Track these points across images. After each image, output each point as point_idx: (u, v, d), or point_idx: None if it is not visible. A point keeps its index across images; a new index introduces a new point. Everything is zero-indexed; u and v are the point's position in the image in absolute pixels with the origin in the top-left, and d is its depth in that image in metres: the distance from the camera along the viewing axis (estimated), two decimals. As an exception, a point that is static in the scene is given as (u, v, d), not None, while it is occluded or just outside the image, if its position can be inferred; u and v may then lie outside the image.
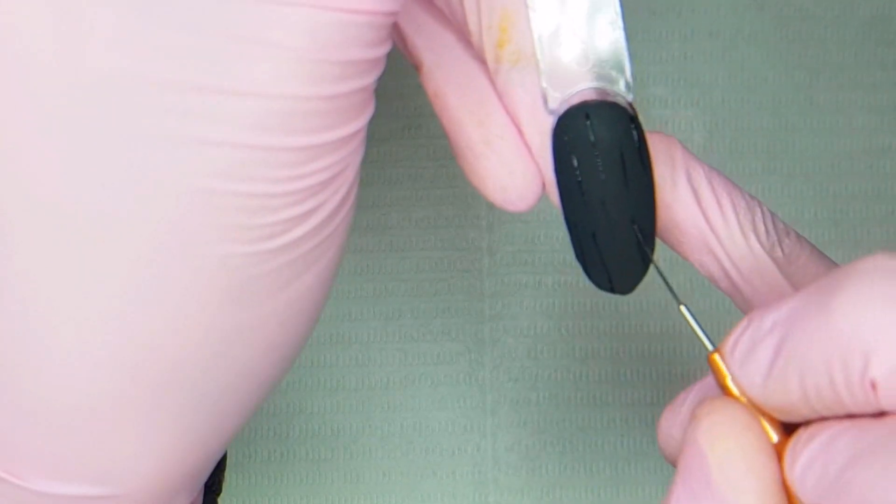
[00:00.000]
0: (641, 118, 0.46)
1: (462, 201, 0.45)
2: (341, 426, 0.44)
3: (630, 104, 0.27)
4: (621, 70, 0.27)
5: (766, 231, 0.29)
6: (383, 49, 0.25)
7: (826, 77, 0.46)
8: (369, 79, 0.25)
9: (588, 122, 0.26)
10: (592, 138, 0.26)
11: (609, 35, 0.27)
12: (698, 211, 0.29)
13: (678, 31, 0.46)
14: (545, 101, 0.27)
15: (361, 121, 0.26)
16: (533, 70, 0.27)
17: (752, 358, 0.25)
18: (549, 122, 0.27)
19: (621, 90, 0.27)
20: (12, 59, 0.24)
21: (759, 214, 0.29)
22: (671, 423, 0.28)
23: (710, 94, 0.46)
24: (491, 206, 0.46)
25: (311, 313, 0.27)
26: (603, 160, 0.27)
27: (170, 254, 0.24)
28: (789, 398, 0.24)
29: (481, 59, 0.28)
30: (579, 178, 0.27)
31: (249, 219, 0.25)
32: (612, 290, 0.28)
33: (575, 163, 0.27)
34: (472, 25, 0.28)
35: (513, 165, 0.28)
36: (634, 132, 0.27)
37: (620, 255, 0.27)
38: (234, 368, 0.27)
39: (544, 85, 0.27)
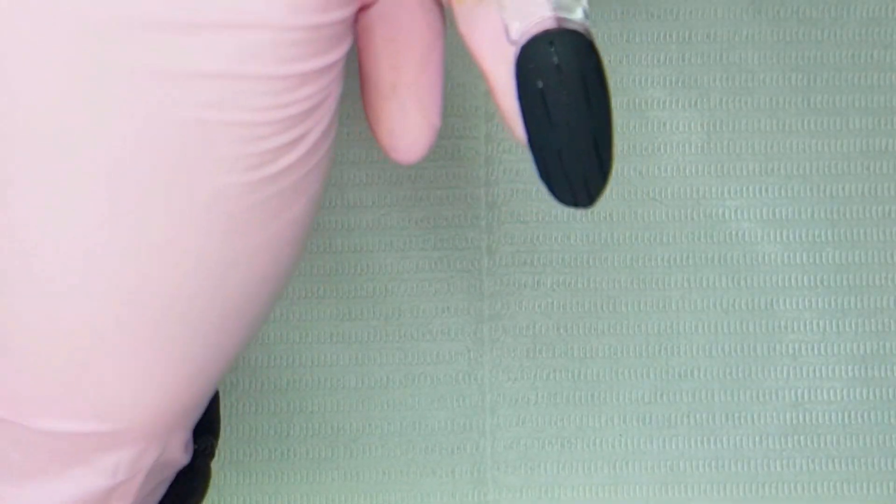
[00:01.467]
0: (639, 120, 0.46)
1: (462, 202, 0.45)
2: (341, 425, 0.44)
3: (587, 30, 0.28)
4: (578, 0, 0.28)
5: None
6: None
7: (823, 79, 0.46)
8: (349, 10, 0.27)
9: (552, 49, 0.28)
10: (557, 63, 0.28)
11: None
12: None
13: (676, 34, 0.46)
14: (507, 33, 0.28)
15: (342, 50, 0.27)
16: (496, 6, 0.28)
17: None
18: (512, 53, 0.28)
19: (579, 17, 0.28)
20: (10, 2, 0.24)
21: None
22: None
23: (708, 96, 0.46)
24: (491, 207, 0.46)
25: (297, 246, 0.28)
26: (567, 83, 0.28)
27: (165, 184, 0.25)
28: None
29: (425, 11, 0.30)
30: (545, 102, 0.28)
31: (241, 148, 0.26)
32: (575, 204, 0.30)
33: (540, 86, 0.28)
34: None
35: (410, 115, 0.30)
36: (594, 56, 0.28)
37: (583, 171, 0.29)
38: (228, 300, 0.27)
39: (505, 17, 0.28)
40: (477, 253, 0.45)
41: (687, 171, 0.46)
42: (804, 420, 0.45)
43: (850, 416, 0.45)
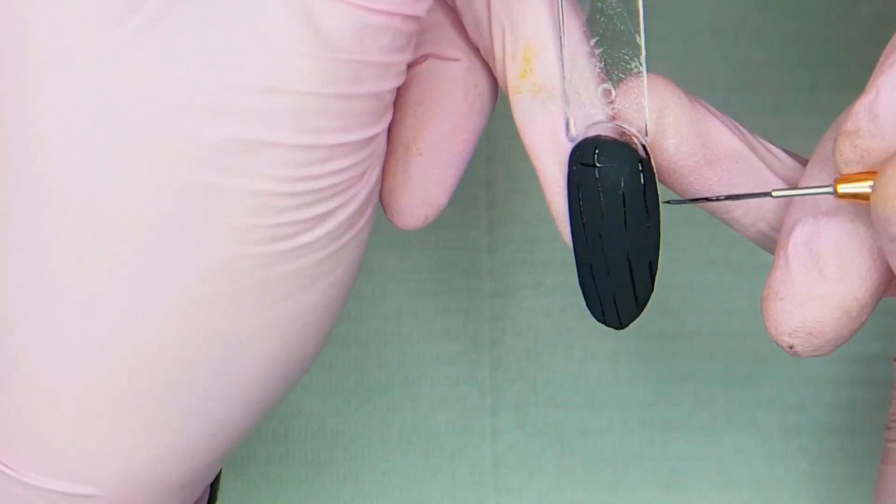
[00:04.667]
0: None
1: (462, 201, 0.45)
2: (340, 427, 0.44)
3: (644, 146, 0.27)
4: (639, 110, 0.27)
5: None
6: (402, 56, 0.26)
7: (829, 77, 0.46)
8: (385, 85, 0.26)
9: (595, 157, 0.27)
10: (597, 174, 0.27)
11: (633, 72, 0.28)
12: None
13: (680, 30, 0.46)
14: (567, 128, 0.28)
15: (375, 129, 0.26)
16: (552, 100, 0.28)
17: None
18: (567, 149, 0.28)
19: (638, 131, 0.27)
20: (47, 54, 0.24)
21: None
22: None
23: (712, 93, 0.46)
24: (491, 207, 0.46)
25: (316, 331, 0.28)
26: (604, 197, 0.27)
27: (173, 248, 0.25)
28: None
29: (470, 88, 0.29)
30: (581, 209, 0.28)
31: (255, 218, 0.25)
32: (604, 321, 0.29)
33: (580, 193, 0.27)
34: (497, 53, 0.28)
35: (410, 181, 0.29)
36: (642, 175, 0.27)
37: (612, 291, 0.28)
38: (233, 377, 0.27)
39: (568, 112, 0.28)
40: (477, 253, 0.45)
41: (690, 169, 0.46)
42: (807, 422, 0.45)
43: (853, 418, 0.45)
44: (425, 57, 0.30)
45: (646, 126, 0.27)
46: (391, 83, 0.26)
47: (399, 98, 0.29)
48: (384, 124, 0.26)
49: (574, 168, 0.27)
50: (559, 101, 0.28)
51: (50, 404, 0.26)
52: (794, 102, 0.45)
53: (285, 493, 0.44)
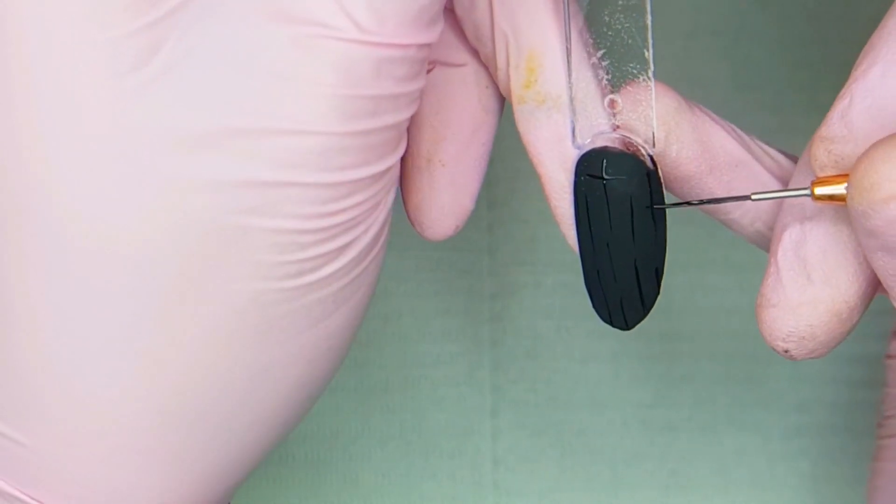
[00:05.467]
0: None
1: (462, 201, 0.45)
2: (340, 427, 0.44)
3: (651, 158, 0.28)
4: (647, 123, 0.28)
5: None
6: (417, 84, 0.26)
7: (829, 77, 0.45)
8: (403, 115, 0.26)
9: (603, 169, 0.27)
10: (605, 186, 0.27)
11: (640, 84, 0.28)
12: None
13: (680, 29, 0.46)
14: (573, 136, 0.28)
15: (393, 158, 0.26)
16: (557, 110, 0.28)
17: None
18: (572, 157, 0.28)
19: (645, 142, 0.28)
20: (62, 102, 0.24)
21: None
22: None
23: (712, 92, 0.45)
24: (491, 207, 0.46)
25: (338, 352, 0.28)
26: (612, 208, 0.27)
27: (202, 289, 0.25)
28: None
29: (482, 89, 0.29)
30: (589, 217, 0.28)
31: (280, 255, 0.25)
32: (610, 323, 0.29)
33: (587, 203, 0.28)
34: (500, 62, 0.28)
35: (437, 193, 0.29)
36: (649, 187, 0.27)
37: (619, 296, 0.29)
38: (260, 407, 0.27)
39: (574, 120, 0.28)
40: (478, 253, 0.45)
41: (690, 169, 0.45)
42: (807, 422, 0.45)
43: (854, 418, 0.45)
44: (433, 65, 0.30)
45: (653, 137, 0.28)
46: (408, 112, 0.26)
47: (416, 111, 0.29)
48: (401, 151, 0.27)
49: (581, 178, 0.28)
50: (564, 110, 0.28)
51: (81, 445, 0.26)
52: (795, 102, 0.45)
53: (285, 493, 0.44)
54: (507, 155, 0.45)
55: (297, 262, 0.25)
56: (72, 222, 0.24)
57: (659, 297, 0.45)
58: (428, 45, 0.25)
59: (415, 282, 0.45)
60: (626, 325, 0.29)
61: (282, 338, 0.26)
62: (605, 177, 0.27)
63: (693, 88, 0.47)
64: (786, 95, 0.45)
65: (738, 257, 0.45)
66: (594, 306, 0.29)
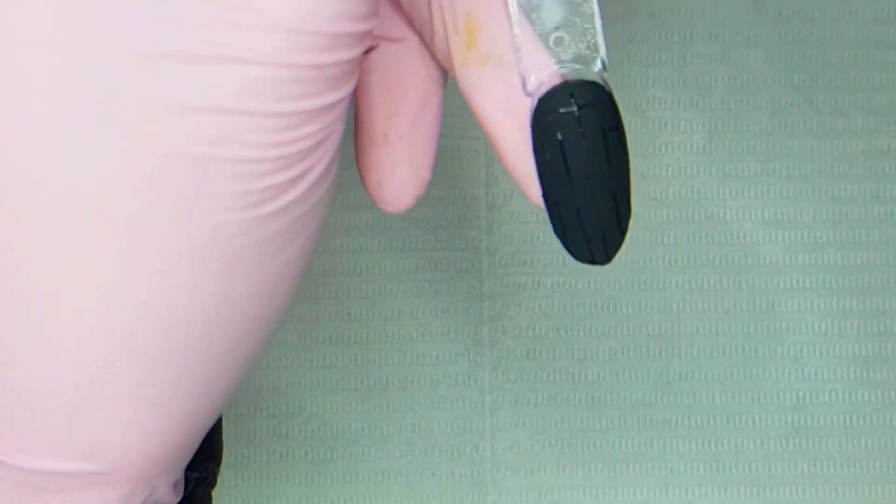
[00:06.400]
0: (640, 119, 0.46)
1: (462, 202, 0.45)
2: (340, 427, 0.44)
3: (606, 82, 0.28)
4: (596, 49, 0.27)
5: None
6: (371, 23, 0.26)
7: (825, 79, 0.46)
8: (357, 51, 0.26)
9: (572, 100, 0.27)
10: (577, 116, 0.27)
11: (584, 14, 0.28)
12: None
13: (677, 33, 0.46)
14: (524, 84, 0.27)
15: (347, 88, 0.26)
16: (501, 67, 0.28)
17: None
18: (525, 112, 0.28)
19: (597, 69, 0.28)
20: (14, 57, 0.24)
21: None
22: None
23: (710, 95, 0.46)
24: (491, 207, 0.46)
25: (295, 285, 0.28)
26: (587, 136, 0.27)
27: (162, 222, 0.25)
28: None
29: (426, 61, 0.29)
30: (564, 155, 0.27)
31: (240, 185, 0.25)
32: (592, 261, 0.29)
33: (560, 138, 0.27)
34: (438, 27, 0.28)
35: (398, 167, 0.29)
36: (613, 109, 0.27)
37: (601, 226, 0.28)
38: (225, 341, 0.27)
39: (521, 68, 0.27)
40: (477, 253, 0.45)
41: (688, 171, 0.46)
42: (806, 422, 0.45)
43: (852, 419, 0.45)
44: (377, 42, 0.30)
45: (602, 58, 0.28)
46: (362, 47, 0.26)
47: (363, 88, 0.29)
48: (355, 80, 0.27)
49: (550, 118, 0.27)
50: (509, 67, 0.27)
51: (44, 385, 0.26)
52: (791, 105, 0.46)
53: (285, 492, 0.44)
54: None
55: (256, 192, 0.25)
56: (24, 154, 0.24)
57: (657, 297, 0.45)
58: None
59: (415, 282, 0.45)
60: (607, 256, 0.29)
61: (245, 270, 0.26)
62: (577, 107, 0.27)
63: (690, 91, 0.47)
64: (782, 98, 0.46)
65: (735, 257, 0.45)
66: (572, 251, 0.29)
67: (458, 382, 0.44)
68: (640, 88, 0.46)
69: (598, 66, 0.28)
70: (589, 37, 0.27)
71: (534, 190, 0.28)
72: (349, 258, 0.45)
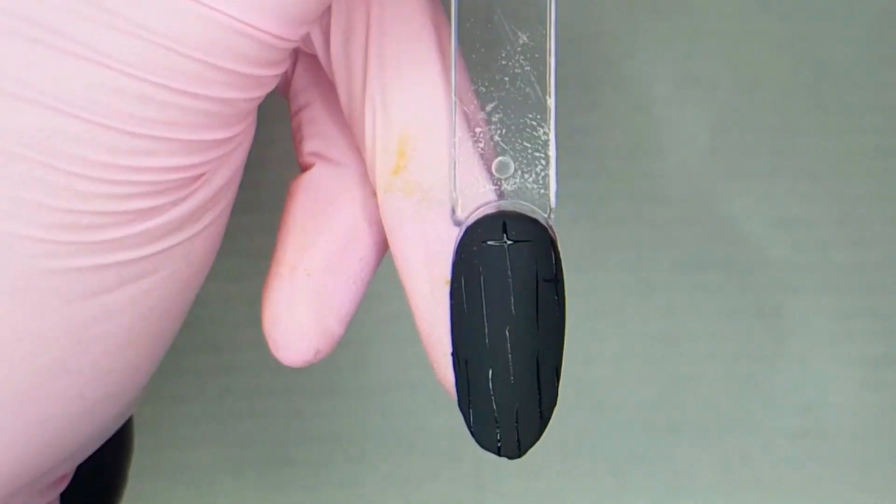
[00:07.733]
0: (645, 118, 0.46)
1: (462, 202, 0.45)
2: (339, 430, 0.44)
3: (550, 226, 0.23)
4: (545, 185, 0.24)
5: None
6: (264, 70, 0.22)
7: (832, 76, 0.45)
8: (234, 94, 0.22)
9: (504, 234, 0.23)
10: (507, 250, 0.23)
11: (538, 140, 0.24)
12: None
13: (682, 31, 0.46)
14: (452, 211, 0.24)
15: (220, 133, 0.22)
16: (427, 204, 0.24)
17: None
18: (446, 264, 0.24)
19: (543, 212, 0.24)
20: None
21: None
22: None
23: (715, 93, 0.45)
24: (492, 207, 0.46)
25: (120, 349, 0.24)
26: (515, 280, 0.23)
27: None
28: None
29: (366, 196, 0.25)
30: (483, 299, 0.23)
31: (51, 198, 0.21)
32: (498, 450, 0.24)
33: (481, 277, 0.23)
34: (368, 140, 0.24)
35: (297, 308, 0.25)
36: (553, 258, 0.23)
37: (514, 403, 0.24)
38: (11, 386, 0.23)
39: (454, 192, 0.24)
40: (478, 254, 0.45)
41: (693, 170, 0.45)
42: (813, 425, 0.44)
43: (859, 421, 0.44)
44: (312, 161, 0.26)
45: (550, 204, 0.24)
46: (246, 93, 0.22)
47: (287, 211, 0.26)
48: (235, 131, 0.23)
49: (474, 249, 0.23)
50: (437, 205, 0.24)
51: None
52: (798, 102, 0.45)
53: (283, 496, 0.44)
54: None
55: (72, 212, 0.21)
56: None
57: (661, 298, 0.45)
58: (284, 39, 0.22)
59: (415, 283, 0.44)
60: (519, 448, 0.24)
61: (43, 301, 0.22)
62: (507, 241, 0.23)
63: (695, 90, 0.46)
64: (788, 95, 0.45)
65: (740, 258, 0.45)
66: (474, 429, 0.24)
67: (460, 385, 0.44)
68: (644, 86, 0.45)
69: (544, 208, 0.24)
70: (539, 168, 0.23)
71: (443, 363, 0.24)
72: (349, 259, 0.45)
